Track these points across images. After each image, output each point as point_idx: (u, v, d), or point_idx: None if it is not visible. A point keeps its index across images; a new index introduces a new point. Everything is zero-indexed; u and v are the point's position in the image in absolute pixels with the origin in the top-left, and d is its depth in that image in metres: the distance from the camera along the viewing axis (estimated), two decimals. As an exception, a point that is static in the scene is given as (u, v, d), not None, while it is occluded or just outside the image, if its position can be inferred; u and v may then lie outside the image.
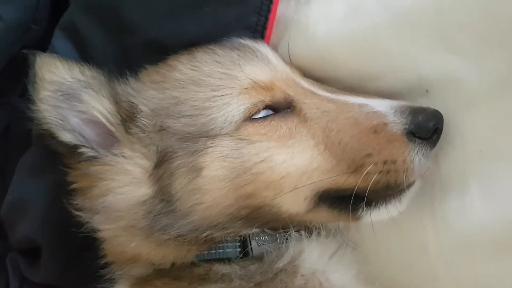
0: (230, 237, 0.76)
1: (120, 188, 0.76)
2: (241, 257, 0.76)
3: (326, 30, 0.81)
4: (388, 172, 0.72)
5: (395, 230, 0.78)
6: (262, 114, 0.76)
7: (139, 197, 0.75)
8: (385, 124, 0.73)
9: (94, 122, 0.79)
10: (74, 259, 0.98)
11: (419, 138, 0.73)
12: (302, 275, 0.74)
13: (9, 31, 1.01)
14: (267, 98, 0.76)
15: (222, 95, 0.76)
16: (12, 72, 1.08)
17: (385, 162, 0.72)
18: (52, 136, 0.80)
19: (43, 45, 0.98)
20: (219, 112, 0.75)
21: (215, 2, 0.84)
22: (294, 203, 0.75)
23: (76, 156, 0.79)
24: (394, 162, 0.72)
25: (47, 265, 1.01)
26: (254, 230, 0.76)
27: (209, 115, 0.75)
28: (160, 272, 0.78)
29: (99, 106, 0.78)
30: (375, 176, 0.72)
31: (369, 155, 0.73)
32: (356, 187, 0.72)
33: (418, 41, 0.76)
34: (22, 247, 1.07)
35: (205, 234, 0.74)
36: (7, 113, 1.15)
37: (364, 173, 0.72)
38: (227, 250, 0.76)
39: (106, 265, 0.84)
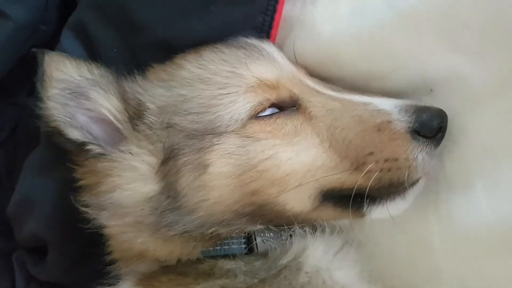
0: (235, 233, 0.76)
1: (127, 185, 0.76)
2: (246, 253, 0.76)
3: (331, 29, 0.82)
4: (389, 170, 0.72)
5: (400, 227, 0.78)
6: (267, 112, 0.77)
7: (146, 194, 0.76)
8: (389, 122, 0.74)
9: (102, 120, 0.80)
10: (81, 256, 0.99)
11: (424, 136, 0.73)
12: (306, 272, 0.73)
13: (18, 32, 1.02)
14: (272, 96, 0.77)
15: (229, 93, 0.76)
16: (20, 72, 1.09)
17: (386, 160, 0.72)
18: (60, 133, 0.80)
19: (52, 45, 0.99)
20: (225, 109, 0.75)
21: (222, 2, 0.85)
22: (298, 201, 0.75)
23: (84, 153, 0.80)
24: (396, 159, 0.72)
25: (53, 263, 1.02)
26: (259, 226, 0.76)
27: (215, 112, 0.76)
28: (165, 268, 0.78)
29: (107, 104, 0.79)
30: (375, 175, 0.72)
31: (371, 153, 0.73)
32: (357, 185, 0.72)
33: (423, 40, 0.77)
34: (28, 245, 1.07)
35: (210, 231, 0.75)
36: (15, 112, 1.16)
37: (365, 171, 0.72)
38: (232, 246, 0.76)
39: (112, 262, 0.84)
